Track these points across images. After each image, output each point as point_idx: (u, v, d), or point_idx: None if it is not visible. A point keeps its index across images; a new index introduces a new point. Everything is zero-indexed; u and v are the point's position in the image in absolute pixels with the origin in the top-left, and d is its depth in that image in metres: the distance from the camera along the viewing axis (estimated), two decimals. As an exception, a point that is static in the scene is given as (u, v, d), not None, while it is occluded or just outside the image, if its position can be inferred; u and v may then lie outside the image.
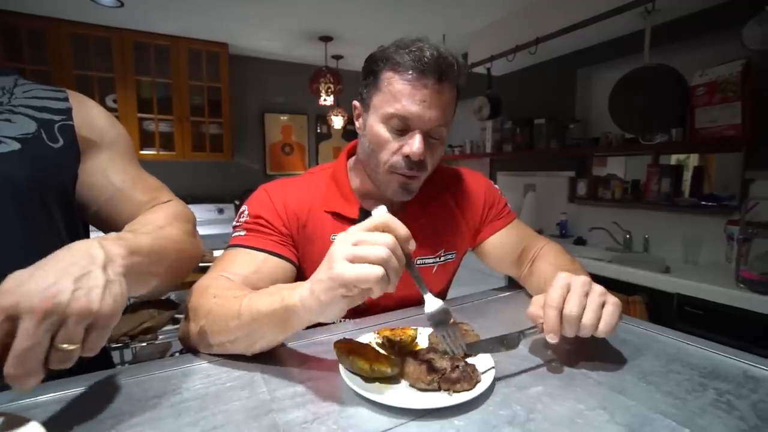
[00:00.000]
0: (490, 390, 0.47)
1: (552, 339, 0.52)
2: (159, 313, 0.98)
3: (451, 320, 0.49)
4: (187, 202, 0.73)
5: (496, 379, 0.49)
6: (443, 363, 0.48)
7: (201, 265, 0.99)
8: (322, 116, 3.81)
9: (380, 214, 0.46)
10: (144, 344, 1.00)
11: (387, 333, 0.57)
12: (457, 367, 0.47)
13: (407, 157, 0.67)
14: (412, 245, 0.46)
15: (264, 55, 3.52)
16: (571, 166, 2.69)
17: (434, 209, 0.82)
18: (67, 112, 0.60)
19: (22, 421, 0.38)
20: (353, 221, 0.76)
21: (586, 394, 0.47)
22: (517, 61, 2.52)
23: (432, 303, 0.49)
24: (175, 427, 0.41)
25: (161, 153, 3.04)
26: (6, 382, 0.35)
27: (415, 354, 0.52)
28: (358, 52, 3.38)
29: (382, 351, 0.54)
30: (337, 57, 3.50)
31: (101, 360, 0.71)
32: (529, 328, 0.55)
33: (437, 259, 0.82)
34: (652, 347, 0.61)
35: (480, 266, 0.96)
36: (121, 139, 0.66)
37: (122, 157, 0.66)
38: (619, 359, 0.57)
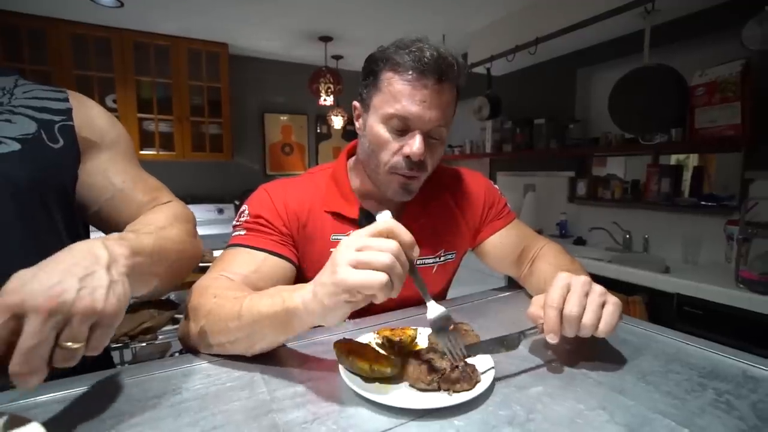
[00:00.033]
0: (489, 390, 0.47)
1: (552, 339, 0.52)
2: (159, 313, 0.99)
3: (452, 326, 0.49)
4: (187, 202, 0.73)
5: (496, 379, 0.49)
6: (443, 363, 0.49)
7: (201, 265, 0.99)
8: (322, 116, 3.81)
9: (385, 219, 0.46)
10: (144, 344, 1.00)
11: (387, 333, 0.57)
12: (457, 367, 0.47)
13: (407, 157, 0.67)
14: (416, 252, 0.46)
15: (264, 55, 3.52)
16: (570, 166, 2.69)
17: (434, 209, 0.83)
18: (68, 113, 0.60)
19: (23, 421, 0.38)
20: (353, 221, 0.76)
21: (586, 394, 0.47)
22: (517, 61, 2.52)
23: (434, 309, 0.49)
24: (174, 427, 0.41)
25: (161, 153, 3.04)
26: (10, 380, 0.35)
27: (415, 354, 0.52)
28: (358, 52, 3.38)
29: (381, 351, 0.54)
30: (337, 57, 3.50)
31: (103, 359, 0.71)
32: (529, 329, 0.55)
33: (437, 259, 0.82)
34: (651, 347, 0.61)
35: (480, 266, 0.96)
36: (121, 139, 0.67)
37: (122, 157, 0.66)
38: (618, 359, 0.57)
